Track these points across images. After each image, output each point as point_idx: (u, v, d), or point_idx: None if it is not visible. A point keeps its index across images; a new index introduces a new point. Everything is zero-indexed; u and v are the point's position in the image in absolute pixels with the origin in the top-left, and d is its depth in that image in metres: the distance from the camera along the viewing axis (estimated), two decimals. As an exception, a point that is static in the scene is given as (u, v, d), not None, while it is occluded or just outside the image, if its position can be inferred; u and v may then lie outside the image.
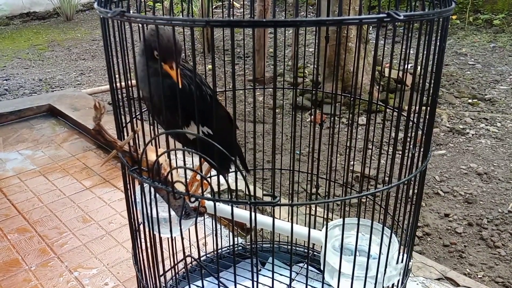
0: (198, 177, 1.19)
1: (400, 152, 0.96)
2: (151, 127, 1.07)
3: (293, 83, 0.94)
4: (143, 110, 1.09)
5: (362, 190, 0.95)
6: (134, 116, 0.99)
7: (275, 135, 1.07)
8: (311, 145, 1.23)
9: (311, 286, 1.25)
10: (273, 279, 0.95)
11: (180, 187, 0.92)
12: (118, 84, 0.95)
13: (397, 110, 1.04)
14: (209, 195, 0.89)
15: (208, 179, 0.87)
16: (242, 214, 1.39)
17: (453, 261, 2.07)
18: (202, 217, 1.55)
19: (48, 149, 2.99)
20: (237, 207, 1.41)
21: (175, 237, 1.14)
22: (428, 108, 0.97)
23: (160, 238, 1.06)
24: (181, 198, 0.95)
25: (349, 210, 2.34)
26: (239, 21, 0.64)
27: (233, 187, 1.87)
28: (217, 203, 1.21)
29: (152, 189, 0.93)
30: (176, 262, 1.23)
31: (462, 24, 6.05)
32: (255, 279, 0.95)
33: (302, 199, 2.45)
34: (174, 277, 1.29)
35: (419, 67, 0.91)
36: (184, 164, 1.17)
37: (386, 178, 1.12)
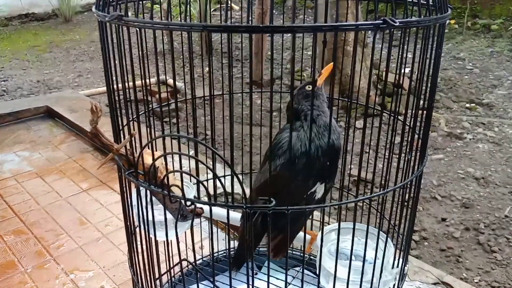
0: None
1: (397, 157, 0.96)
2: (148, 129, 1.07)
3: (291, 86, 0.94)
4: (140, 114, 1.09)
5: (359, 194, 0.95)
6: (131, 119, 0.99)
7: (272, 138, 1.07)
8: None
9: (307, 290, 1.25)
10: (268, 282, 0.95)
11: (177, 191, 0.92)
12: (115, 87, 0.95)
13: (393, 115, 1.05)
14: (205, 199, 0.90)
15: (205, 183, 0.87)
16: (238, 217, 1.38)
17: (450, 266, 2.07)
18: (199, 220, 1.55)
19: (45, 151, 2.99)
20: (233, 211, 1.41)
21: (171, 241, 1.14)
22: (425, 112, 0.97)
23: (156, 241, 1.06)
24: (177, 201, 0.95)
25: (346, 214, 2.34)
26: (236, 26, 0.64)
27: (229, 190, 1.87)
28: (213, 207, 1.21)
29: (148, 192, 0.93)
30: (171, 265, 1.23)
31: (460, 28, 6.07)
32: (251, 283, 0.95)
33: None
34: (169, 281, 1.29)
35: (415, 73, 0.92)
36: (180, 167, 1.17)
37: (383, 182, 1.12)
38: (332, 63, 1.04)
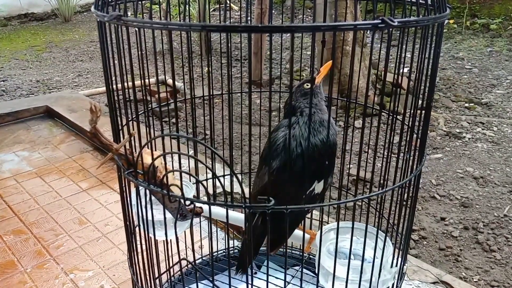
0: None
1: (396, 156, 0.96)
2: (147, 129, 1.07)
3: (290, 86, 0.95)
4: (139, 113, 1.09)
5: (358, 193, 0.95)
6: (130, 118, 0.99)
7: (274, 146, 1.07)
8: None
9: (307, 289, 1.26)
10: (268, 282, 0.95)
11: (176, 190, 0.93)
12: (115, 87, 0.95)
13: (392, 115, 1.05)
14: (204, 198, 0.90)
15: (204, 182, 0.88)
16: (237, 217, 1.39)
17: (449, 265, 2.07)
18: (198, 220, 1.55)
19: (44, 151, 2.99)
20: (232, 210, 1.41)
21: (170, 240, 1.15)
22: (423, 112, 0.98)
23: (156, 240, 1.06)
24: (176, 201, 0.96)
25: (345, 213, 2.34)
26: (235, 26, 0.64)
27: (229, 189, 1.87)
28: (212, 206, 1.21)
29: (148, 192, 0.94)
30: (171, 265, 1.23)
31: (459, 28, 6.07)
32: (250, 282, 0.96)
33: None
34: (169, 280, 1.29)
35: (414, 72, 0.92)
36: (180, 167, 1.17)
37: (382, 182, 1.13)
38: (331, 61, 1.04)
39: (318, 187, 1.05)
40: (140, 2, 1.08)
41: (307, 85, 1.09)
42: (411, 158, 0.98)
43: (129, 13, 0.88)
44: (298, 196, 1.03)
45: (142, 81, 1.03)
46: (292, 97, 1.09)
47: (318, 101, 1.09)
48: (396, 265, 1.04)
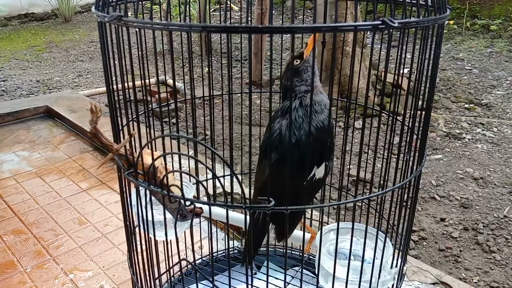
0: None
1: (396, 157, 0.96)
2: (147, 129, 1.07)
3: (290, 86, 0.95)
4: (140, 113, 1.09)
5: (358, 194, 0.95)
6: (130, 119, 0.99)
7: (271, 138, 1.07)
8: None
9: (306, 290, 1.26)
10: (267, 282, 0.95)
11: (176, 191, 0.93)
12: (115, 87, 0.95)
13: (392, 115, 1.05)
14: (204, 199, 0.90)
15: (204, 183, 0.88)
16: (237, 217, 1.39)
17: (449, 266, 2.07)
18: (198, 220, 1.55)
19: (44, 151, 2.99)
20: (232, 210, 1.41)
21: (170, 240, 1.14)
22: (423, 113, 0.98)
23: (156, 241, 1.06)
24: (176, 201, 0.96)
25: (345, 214, 2.34)
26: (236, 27, 0.64)
27: (229, 190, 1.87)
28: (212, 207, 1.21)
29: (148, 192, 0.94)
30: (171, 265, 1.23)
31: (460, 29, 6.07)
32: (250, 283, 0.96)
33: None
34: (169, 281, 1.29)
35: (414, 73, 0.92)
36: (180, 167, 1.17)
37: (382, 182, 1.13)
38: (316, 33, 0.98)
39: (318, 172, 1.04)
40: (140, 3, 1.08)
41: (297, 61, 1.04)
42: (411, 159, 0.98)
43: (129, 14, 0.88)
44: (299, 185, 1.03)
45: (142, 81, 1.03)
46: (283, 77, 1.08)
47: (308, 76, 1.03)
48: (396, 266, 1.04)
